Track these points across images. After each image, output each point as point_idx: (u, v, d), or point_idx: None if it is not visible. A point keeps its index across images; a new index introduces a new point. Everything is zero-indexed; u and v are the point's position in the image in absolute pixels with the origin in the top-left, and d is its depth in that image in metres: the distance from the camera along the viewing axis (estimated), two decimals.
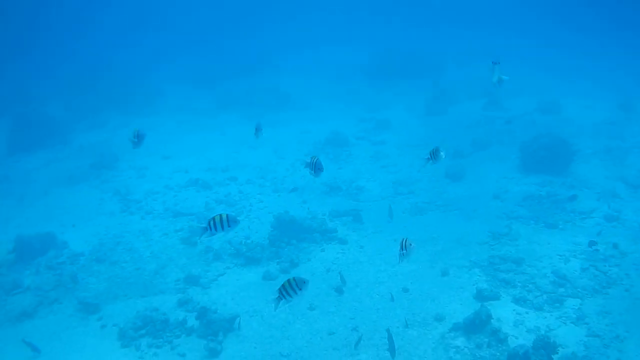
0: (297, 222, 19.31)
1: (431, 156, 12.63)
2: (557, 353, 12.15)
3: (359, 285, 16.41)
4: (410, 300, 15.48)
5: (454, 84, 36.16)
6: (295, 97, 35.90)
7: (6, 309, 16.52)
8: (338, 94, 37.79)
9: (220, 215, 10.17)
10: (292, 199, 22.57)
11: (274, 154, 27.90)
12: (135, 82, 39.84)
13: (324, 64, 46.25)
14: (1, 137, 31.34)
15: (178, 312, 15.78)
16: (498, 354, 12.46)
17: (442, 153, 12.50)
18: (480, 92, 33.94)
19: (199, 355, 13.99)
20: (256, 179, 24.92)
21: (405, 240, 10.89)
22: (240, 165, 26.56)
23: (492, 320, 13.42)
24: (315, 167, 10.68)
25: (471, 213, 20.46)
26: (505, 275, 16.05)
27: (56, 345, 14.78)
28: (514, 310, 14.51)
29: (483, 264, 16.81)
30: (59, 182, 25.91)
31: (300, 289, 9.54)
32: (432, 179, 23.82)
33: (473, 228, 19.19)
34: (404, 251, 10.74)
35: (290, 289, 9.77)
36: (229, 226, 10.17)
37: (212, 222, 10.13)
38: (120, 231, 20.90)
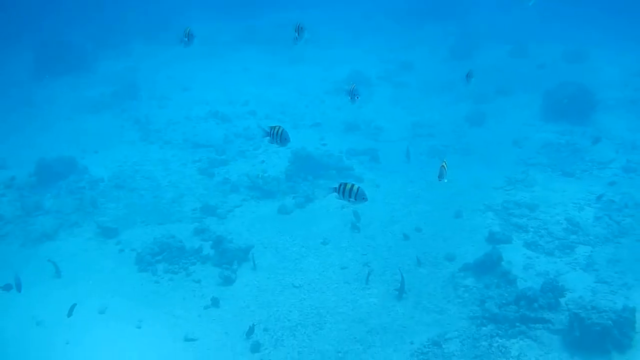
0: (314, 159, 19.43)
1: (467, 77, 12.88)
2: (564, 297, 12.33)
3: (373, 223, 16.61)
4: (422, 239, 15.69)
5: (481, 28, 35.53)
6: (320, 35, 35.51)
7: (27, 229, 16.94)
8: (363, 34, 37.39)
9: (280, 128, 10.10)
10: (310, 136, 22.65)
11: (294, 91, 27.86)
12: (160, 13, 39.58)
13: (349, 2, 45.59)
14: (27, 62, 31.42)
15: (194, 240, 16.12)
16: (506, 294, 12.66)
17: (473, 79, 12.78)
18: (506, 37, 33.43)
19: (213, 283, 14.35)
20: (275, 114, 24.97)
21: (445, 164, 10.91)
22: (261, 100, 26.57)
23: (502, 262, 13.61)
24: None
25: (489, 158, 20.46)
26: (519, 220, 16.17)
27: (75, 267, 15.19)
28: (524, 254, 14.67)
29: (497, 208, 16.90)
30: (82, 109, 26.09)
31: (356, 200, 9.35)
32: (453, 122, 23.74)
33: (490, 173, 19.22)
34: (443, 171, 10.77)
35: (349, 192, 9.38)
36: (280, 141, 10.12)
37: (272, 131, 10.11)
38: (140, 159, 21.18)
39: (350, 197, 9.33)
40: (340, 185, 9.34)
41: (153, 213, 17.70)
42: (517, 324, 11.91)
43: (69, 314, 10.37)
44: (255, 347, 12.00)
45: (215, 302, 13.51)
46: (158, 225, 17.04)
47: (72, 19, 38.56)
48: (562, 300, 12.25)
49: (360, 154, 21.06)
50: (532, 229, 15.77)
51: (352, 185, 9.36)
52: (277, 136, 9.99)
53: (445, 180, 10.53)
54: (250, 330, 12.37)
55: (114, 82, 28.51)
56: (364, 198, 9.40)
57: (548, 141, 21.28)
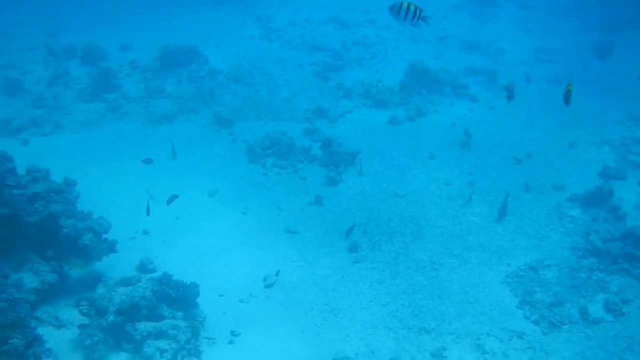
0: (431, 73, 19.21)
1: None
2: None
3: (483, 143, 16.44)
4: (532, 166, 15.44)
5: None
6: None
7: (149, 110, 17.80)
8: None
9: (412, 4, 8.44)
10: (429, 50, 22.33)
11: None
12: None
13: None
14: None
15: (304, 139, 16.48)
16: (612, 230, 12.41)
17: None
18: None
19: (318, 182, 14.73)
20: (396, 25, 24.58)
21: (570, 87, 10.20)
22: (382, 9, 26.08)
23: (613, 197, 13.28)
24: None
25: (612, 91, 19.59)
26: (636, 158, 15.58)
27: (190, 150, 15.94)
28: (638, 192, 14.21)
29: (615, 144, 16.33)
30: (205, 3, 26.55)
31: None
32: (578, 50, 22.76)
33: (611, 106, 18.47)
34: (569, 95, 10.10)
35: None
36: (413, 19, 8.45)
37: (401, 6, 8.39)
38: (259, 56, 21.56)
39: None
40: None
41: (267, 109, 18.16)
42: (620, 260, 11.70)
43: (168, 203, 10.96)
44: (353, 247, 12.37)
45: (318, 200, 13.92)
46: (270, 121, 17.50)
47: None
48: None
49: (478, 73, 20.63)
50: None
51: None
52: (409, 14, 8.29)
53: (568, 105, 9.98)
54: (350, 231, 12.73)
55: None
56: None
57: None
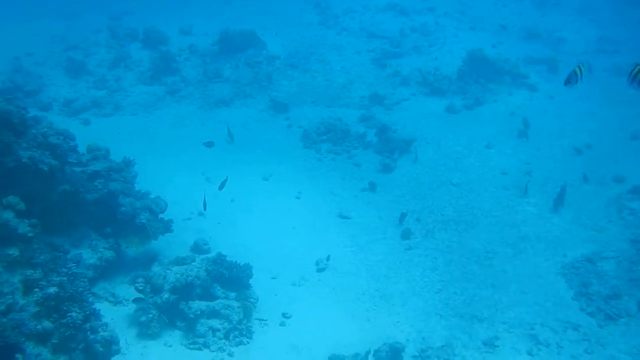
0: (490, 62, 18.92)
1: None
2: None
3: (541, 133, 16.16)
4: (591, 157, 15.13)
5: None
6: None
7: (207, 94, 18.07)
8: None
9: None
10: (488, 39, 21.95)
11: None
12: None
13: None
14: None
15: (359, 126, 16.50)
16: None
17: None
18: None
19: (372, 168, 14.74)
20: (454, 13, 24.31)
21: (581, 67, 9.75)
22: None
23: None
24: None
25: None
26: None
27: (246, 134, 16.14)
28: None
29: None
30: None
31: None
32: None
33: None
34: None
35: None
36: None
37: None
38: (316, 42, 21.60)
39: None
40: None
41: (323, 95, 18.22)
42: None
43: (220, 188, 11.08)
44: (406, 234, 12.34)
45: (372, 187, 13.92)
46: (326, 107, 17.56)
47: None
48: None
49: (538, 63, 20.23)
50: None
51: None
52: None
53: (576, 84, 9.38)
54: (403, 217, 12.70)
55: None
56: None
57: None
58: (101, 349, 7.86)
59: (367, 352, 9.15)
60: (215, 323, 9.41)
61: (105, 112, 17.28)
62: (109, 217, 10.25)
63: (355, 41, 21.80)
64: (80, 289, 7.94)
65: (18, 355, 6.77)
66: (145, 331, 9.21)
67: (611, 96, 17.63)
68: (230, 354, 9.18)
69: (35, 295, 7.55)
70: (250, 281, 10.14)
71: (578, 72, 8.58)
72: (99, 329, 7.97)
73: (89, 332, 7.81)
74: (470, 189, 13.92)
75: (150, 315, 9.25)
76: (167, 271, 9.76)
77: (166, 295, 9.42)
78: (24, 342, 6.97)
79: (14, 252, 7.74)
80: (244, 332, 9.51)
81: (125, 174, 10.97)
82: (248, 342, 9.41)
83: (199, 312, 9.42)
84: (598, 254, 11.70)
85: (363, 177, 14.33)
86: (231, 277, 9.97)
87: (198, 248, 11.33)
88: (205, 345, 9.21)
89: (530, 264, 11.53)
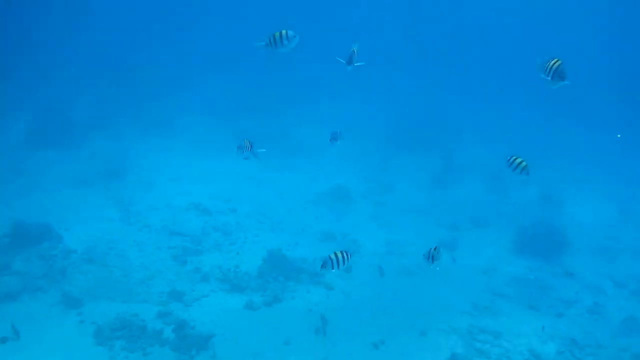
0: (288, 261, 19.73)
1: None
2: None
3: (339, 329, 16.66)
4: (385, 352, 15.83)
5: (463, 161, 36.57)
6: (307, 146, 36.33)
7: None
8: (349, 151, 38.21)
9: (281, 32, 10.27)
10: (287, 239, 22.92)
11: (278, 195, 28.28)
12: (159, 101, 40.57)
13: (338, 118, 46.77)
14: (19, 130, 31.96)
15: (156, 322, 16.08)
16: None
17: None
18: (487, 174, 34.42)
19: None
20: (256, 215, 25.28)
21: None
22: (243, 199, 26.92)
23: None
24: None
25: (458, 283, 20.75)
26: (482, 346, 16.34)
27: (33, 330, 15.10)
28: None
29: (462, 332, 17.09)
30: (66, 183, 26.32)
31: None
32: (426, 245, 24.03)
33: (458, 297, 19.50)
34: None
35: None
36: (288, 41, 10.35)
37: (272, 38, 10.28)
38: (116, 238, 21.28)
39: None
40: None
41: (120, 290, 17.68)
42: None
43: None
44: None
45: None
46: (123, 303, 17.00)
47: (70, 92, 39.38)
48: None
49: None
50: (494, 356, 15.92)
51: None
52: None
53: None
54: None
55: (102, 161, 28.88)
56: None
57: (517, 275, 21.72)
58: None
59: None
60: None
61: None
62: None
63: (156, 237, 21.76)
64: None
65: None
66: None
67: (401, 296, 18.89)
68: None
69: None
70: None
71: (333, 257, 10.21)
72: None
73: None
74: None
75: None
76: None
77: None
78: None
79: None
80: None
81: None
82: None
83: None
84: None
85: None
86: None
87: None
88: None
89: None
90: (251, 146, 11.81)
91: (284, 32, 10.76)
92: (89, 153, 30.83)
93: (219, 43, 56.44)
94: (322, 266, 11.07)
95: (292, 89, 46.62)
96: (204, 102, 43.53)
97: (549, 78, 10.57)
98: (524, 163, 12.88)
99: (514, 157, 12.89)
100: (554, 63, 10.51)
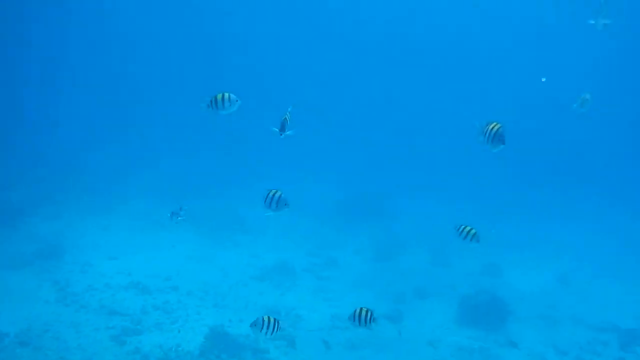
0: (231, 338, 19.44)
1: None
2: None
3: None
4: None
5: (405, 234, 36.99)
6: (251, 223, 36.26)
7: None
8: (293, 228, 38.25)
9: (223, 94, 10.70)
10: (230, 316, 22.57)
11: (219, 272, 27.98)
12: (101, 182, 40.15)
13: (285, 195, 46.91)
14: None
15: None
16: None
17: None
18: (429, 246, 34.84)
19: None
20: (197, 292, 24.89)
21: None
22: (185, 277, 26.52)
23: None
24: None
25: (404, 356, 20.72)
26: None
27: None
28: None
29: None
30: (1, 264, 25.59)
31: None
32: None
33: None
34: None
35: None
36: (230, 104, 10.78)
37: (214, 100, 10.65)
38: (52, 319, 20.60)
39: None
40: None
41: None
42: None
43: None
44: None
45: None
46: None
47: (6, 173, 38.67)
48: None
49: (278, 338, 20.96)
50: None
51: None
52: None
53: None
54: None
55: (39, 241, 28.17)
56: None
57: (462, 345, 21.83)
58: None
59: None
60: None
61: None
62: None
63: (94, 318, 21.12)
64: None
65: None
66: None
67: None
68: None
69: None
70: None
71: (265, 320, 10.60)
72: None
73: None
74: None
75: None
76: None
77: None
78: None
79: None
80: None
81: None
82: None
83: None
84: None
85: None
86: None
87: None
88: None
89: None
90: (181, 210, 12.17)
91: (226, 95, 11.11)
92: (25, 233, 30.05)
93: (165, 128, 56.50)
94: (252, 324, 11.84)
95: (235, 168, 46.86)
96: (148, 181, 43.24)
97: (489, 142, 10.88)
98: (473, 231, 13.17)
99: (462, 226, 13.26)
100: (493, 127, 10.86)
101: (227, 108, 11.18)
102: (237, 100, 11.23)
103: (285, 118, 12.14)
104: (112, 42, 69.13)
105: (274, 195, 11.44)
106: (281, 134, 12.07)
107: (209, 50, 72.17)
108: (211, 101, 11.13)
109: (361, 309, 12.06)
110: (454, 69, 71.12)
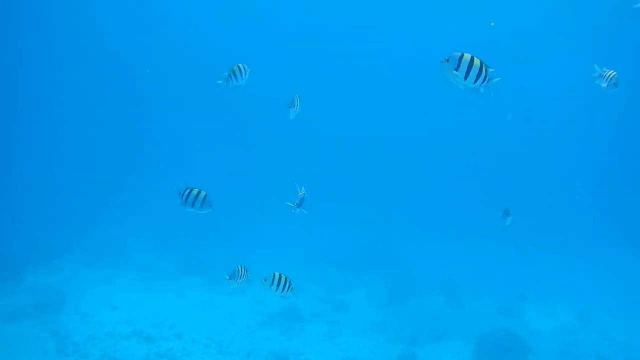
0: None
1: None
2: None
3: None
4: None
5: (417, 278, 36.10)
6: (259, 269, 35.40)
7: None
8: (301, 272, 37.40)
9: (238, 65, 10.57)
10: None
11: (225, 318, 27.13)
12: (100, 236, 39.58)
13: (292, 245, 46.25)
14: None
15: None
16: None
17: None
18: (442, 290, 33.97)
19: None
20: (203, 339, 24.02)
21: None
22: (189, 325, 25.68)
23: None
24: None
25: None
26: None
27: None
28: None
29: None
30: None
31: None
32: None
33: None
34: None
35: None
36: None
37: (232, 73, 10.55)
38: None
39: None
40: None
41: None
42: None
43: None
44: None
45: None
46: None
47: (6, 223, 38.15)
48: None
49: None
50: None
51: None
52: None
53: None
54: None
55: (39, 294, 27.35)
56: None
57: None
58: None
59: None
60: None
61: None
62: None
63: None
64: None
65: None
66: None
67: None
68: None
69: None
70: None
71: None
72: None
73: None
74: None
75: None
76: None
77: None
78: None
79: None
80: None
81: None
82: None
83: None
84: None
85: None
86: None
87: None
88: None
89: None
90: (246, 271, 11.86)
91: (240, 65, 11.24)
92: (25, 287, 29.31)
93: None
94: None
95: (243, 216, 46.36)
96: (154, 232, 42.64)
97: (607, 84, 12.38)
98: None
99: None
100: (610, 73, 12.18)
101: (244, 77, 11.22)
102: (248, 68, 11.37)
103: (302, 192, 12.52)
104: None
105: (197, 194, 11.18)
106: (294, 210, 12.30)
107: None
108: (229, 75, 11.15)
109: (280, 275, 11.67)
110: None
